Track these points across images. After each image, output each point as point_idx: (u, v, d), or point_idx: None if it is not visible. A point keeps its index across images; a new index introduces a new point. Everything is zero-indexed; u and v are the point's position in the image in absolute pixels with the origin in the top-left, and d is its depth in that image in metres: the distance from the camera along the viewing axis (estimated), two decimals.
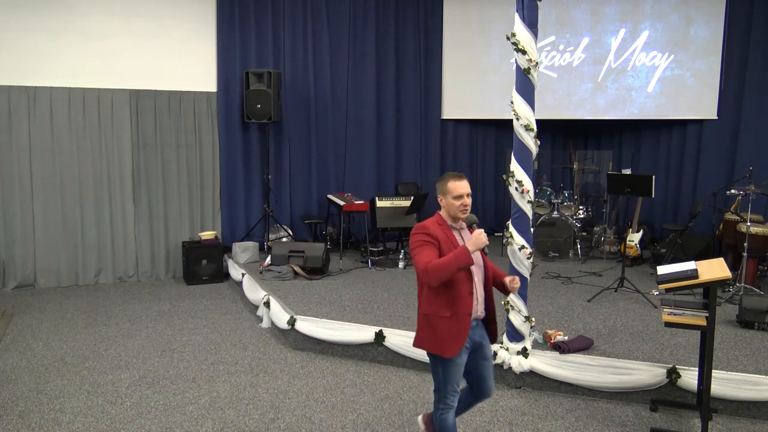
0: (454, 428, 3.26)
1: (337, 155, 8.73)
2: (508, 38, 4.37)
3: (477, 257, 3.18)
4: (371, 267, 7.50)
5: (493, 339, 3.34)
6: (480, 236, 3.00)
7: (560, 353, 4.57)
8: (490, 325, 3.30)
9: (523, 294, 4.50)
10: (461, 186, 3.16)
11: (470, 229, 3.21)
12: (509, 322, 4.56)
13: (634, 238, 7.55)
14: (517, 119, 4.38)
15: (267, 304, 5.93)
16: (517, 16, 4.34)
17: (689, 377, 4.20)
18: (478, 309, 3.20)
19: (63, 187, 7.19)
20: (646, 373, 4.30)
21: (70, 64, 7.11)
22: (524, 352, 4.52)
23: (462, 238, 3.19)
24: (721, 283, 3.68)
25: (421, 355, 4.79)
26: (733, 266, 6.45)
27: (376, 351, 5.05)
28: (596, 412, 4.20)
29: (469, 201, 3.17)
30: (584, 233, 8.66)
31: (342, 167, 8.79)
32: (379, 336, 4.98)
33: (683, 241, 7.10)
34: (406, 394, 4.47)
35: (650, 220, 8.65)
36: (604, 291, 6.27)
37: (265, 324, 5.92)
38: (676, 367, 4.26)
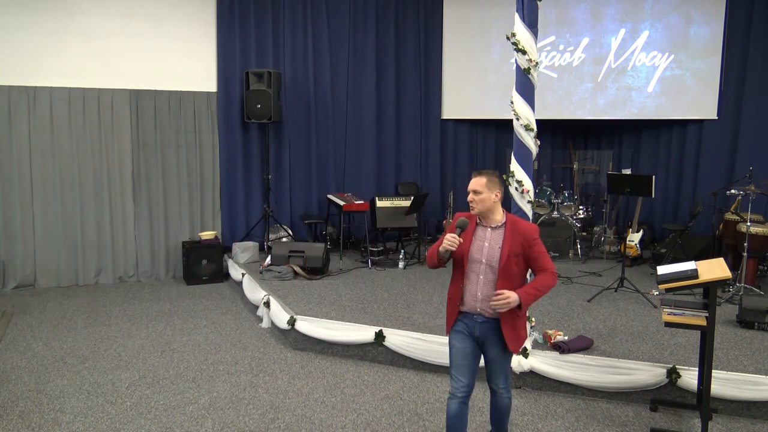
0: (454, 418, 3.30)
1: (337, 155, 8.73)
2: (508, 38, 4.38)
3: (491, 256, 3.19)
4: (371, 267, 7.50)
5: (508, 345, 3.22)
6: (444, 241, 3.14)
7: (560, 353, 4.57)
8: (501, 329, 3.21)
9: None
10: (471, 183, 3.23)
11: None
12: None
13: (634, 238, 7.55)
14: (517, 119, 4.38)
15: (267, 304, 5.93)
16: (517, 16, 4.34)
17: (689, 377, 4.20)
18: (477, 306, 3.21)
19: (63, 187, 7.18)
20: (646, 373, 4.30)
21: (70, 64, 7.11)
22: (524, 352, 4.52)
23: (485, 236, 3.22)
24: (721, 283, 3.67)
25: (421, 355, 4.82)
26: (733, 266, 6.46)
27: (376, 351, 5.05)
28: (596, 412, 4.20)
29: (473, 197, 3.20)
30: (584, 233, 8.66)
31: (342, 167, 8.79)
32: (379, 336, 4.99)
33: (683, 241, 7.10)
34: (406, 394, 4.47)
35: (650, 220, 8.64)
36: (604, 291, 6.27)
37: (265, 324, 5.92)
38: (676, 367, 4.27)
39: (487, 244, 3.21)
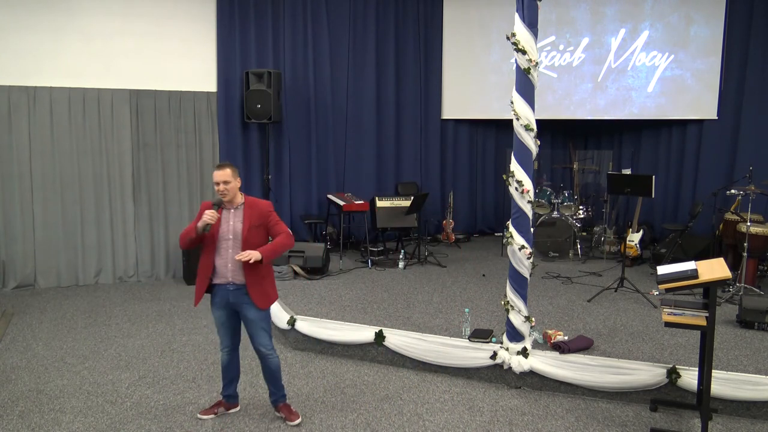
0: (227, 365, 4.06)
1: (337, 155, 8.73)
2: (508, 38, 4.37)
3: (236, 232, 3.79)
4: (371, 267, 7.50)
5: (256, 304, 3.84)
6: (203, 216, 3.71)
7: (560, 353, 4.57)
8: (249, 292, 3.83)
9: (523, 294, 4.50)
10: (217, 175, 3.77)
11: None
12: (509, 322, 4.56)
13: (634, 238, 7.55)
14: (517, 119, 4.38)
15: None
16: (517, 16, 4.34)
17: (689, 377, 4.20)
18: (229, 276, 3.81)
19: (63, 187, 7.18)
20: (646, 373, 4.30)
21: (70, 64, 7.11)
22: (524, 352, 4.52)
23: (229, 217, 3.83)
24: (721, 283, 3.67)
25: (421, 354, 4.82)
26: (733, 266, 6.45)
27: (376, 351, 5.05)
28: (596, 412, 4.20)
29: (224, 187, 3.76)
30: (584, 233, 8.66)
31: (342, 167, 8.79)
32: (379, 336, 4.99)
33: (683, 241, 7.10)
34: (406, 394, 4.47)
35: (650, 220, 8.65)
36: (604, 291, 6.28)
37: None
38: (676, 367, 4.27)
39: (231, 223, 3.82)
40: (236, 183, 3.82)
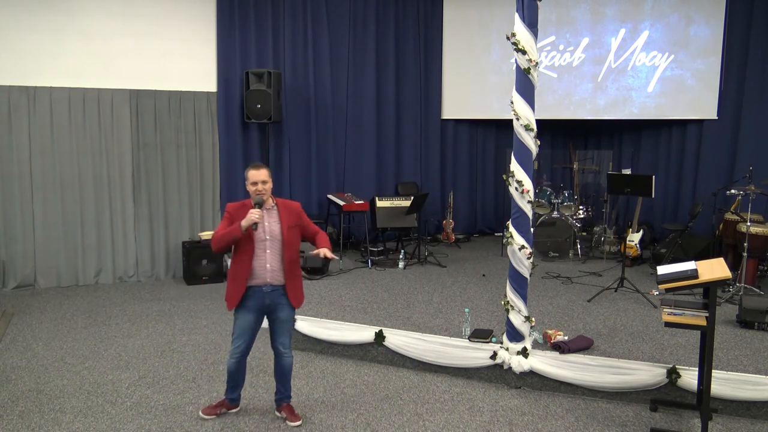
0: (235, 372, 4.04)
1: (337, 155, 8.73)
2: (508, 38, 4.37)
3: (273, 232, 3.81)
4: (371, 267, 7.50)
5: (292, 304, 3.92)
6: (248, 215, 3.68)
7: (560, 353, 4.57)
8: (287, 292, 3.89)
9: (523, 294, 4.50)
10: (256, 174, 3.78)
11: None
12: (509, 322, 4.56)
13: (634, 238, 7.55)
14: (517, 119, 4.38)
15: None
16: (517, 16, 4.34)
17: (689, 377, 4.20)
18: (267, 277, 3.81)
19: (63, 187, 7.18)
20: (646, 373, 4.30)
21: (70, 64, 7.11)
22: (524, 352, 4.52)
23: (265, 218, 3.81)
24: (721, 283, 3.67)
25: (421, 354, 4.82)
26: (733, 266, 6.45)
27: (376, 351, 5.05)
28: (596, 412, 4.20)
29: (263, 187, 3.78)
30: (584, 233, 8.66)
31: (342, 167, 8.79)
32: (379, 336, 4.99)
33: (683, 241, 7.10)
34: (406, 394, 4.47)
35: (650, 220, 8.65)
36: (604, 291, 6.28)
37: (264, 324, 5.90)
38: (676, 367, 4.27)
39: (267, 224, 3.81)
40: (270, 183, 3.86)
